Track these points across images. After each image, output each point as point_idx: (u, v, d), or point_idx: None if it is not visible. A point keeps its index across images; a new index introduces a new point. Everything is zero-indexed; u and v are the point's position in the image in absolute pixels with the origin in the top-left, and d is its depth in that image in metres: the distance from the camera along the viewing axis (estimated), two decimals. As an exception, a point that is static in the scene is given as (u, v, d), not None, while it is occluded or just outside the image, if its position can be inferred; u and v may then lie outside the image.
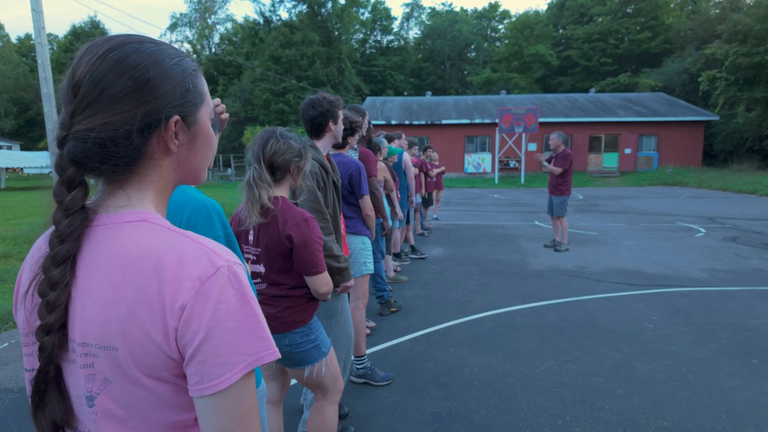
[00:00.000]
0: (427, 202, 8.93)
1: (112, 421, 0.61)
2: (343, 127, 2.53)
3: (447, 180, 23.12)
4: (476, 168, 25.14)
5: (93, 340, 0.59)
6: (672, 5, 37.29)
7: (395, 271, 5.80)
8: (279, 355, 0.63)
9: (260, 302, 1.73)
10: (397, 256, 6.34)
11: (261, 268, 1.73)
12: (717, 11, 31.78)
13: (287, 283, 1.72)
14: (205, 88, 0.71)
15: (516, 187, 20.49)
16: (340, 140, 2.59)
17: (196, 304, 0.57)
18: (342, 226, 2.54)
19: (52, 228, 0.62)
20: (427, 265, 6.18)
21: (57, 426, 0.62)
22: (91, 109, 0.60)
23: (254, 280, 1.74)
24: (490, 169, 24.70)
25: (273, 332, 1.71)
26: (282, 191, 1.75)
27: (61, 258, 0.60)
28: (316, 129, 2.38)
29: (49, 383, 0.61)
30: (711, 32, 28.20)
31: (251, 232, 1.73)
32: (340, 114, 2.46)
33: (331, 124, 2.39)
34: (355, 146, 3.70)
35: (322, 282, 1.72)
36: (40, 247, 0.66)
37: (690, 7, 36.73)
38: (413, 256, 6.70)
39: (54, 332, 0.60)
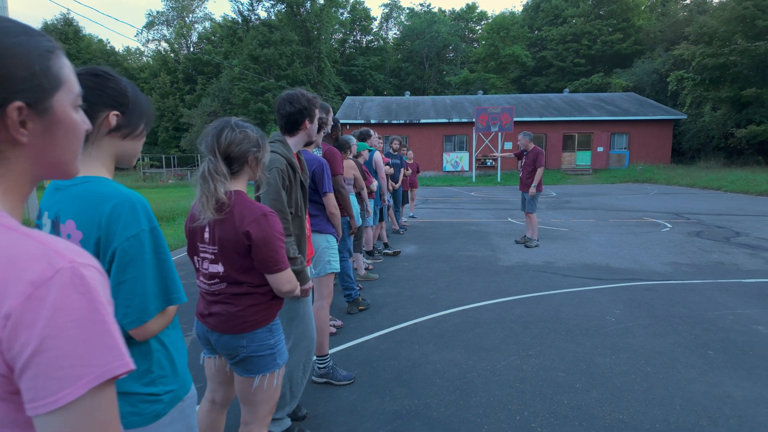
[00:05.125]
0: (402, 200, 8.93)
1: None
2: (317, 126, 2.48)
3: (425, 178, 23.20)
4: (454, 166, 25.33)
5: None
6: (642, 8, 38.32)
7: (366, 269, 5.76)
8: (133, 367, 0.57)
9: (220, 302, 1.63)
10: (369, 254, 6.30)
11: (220, 268, 1.61)
12: (685, 14, 32.81)
13: (250, 282, 1.62)
14: (64, 71, 0.64)
15: (492, 185, 20.72)
16: (313, 139, 2.54)
17: (26, 312, 0.51)
18: (307, 227, 2.48)
19: None
20: (400, 263, 6.16)
21: None
22: None
23: (212, 281, 1.63)
24: (468, 168, 24.91)
25: (232, 332, 1.62)
26: (240, 185, 1.64)
27: None
28: (291, 126, 2.32)
29: None
30: (679, 34, 29.10)
31: (207, 229, 1.61)
32: (317, 113, 2.40)
33: (307, 122, 2.34)
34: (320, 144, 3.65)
35: (285, 280, 1.63)
36: None
37: (659, 10, 37.81)
38: (386, 251, 6.68)
39: None
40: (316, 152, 3.33)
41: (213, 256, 1.61)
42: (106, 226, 1.06)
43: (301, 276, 2.10)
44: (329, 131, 3.74)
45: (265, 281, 1.64)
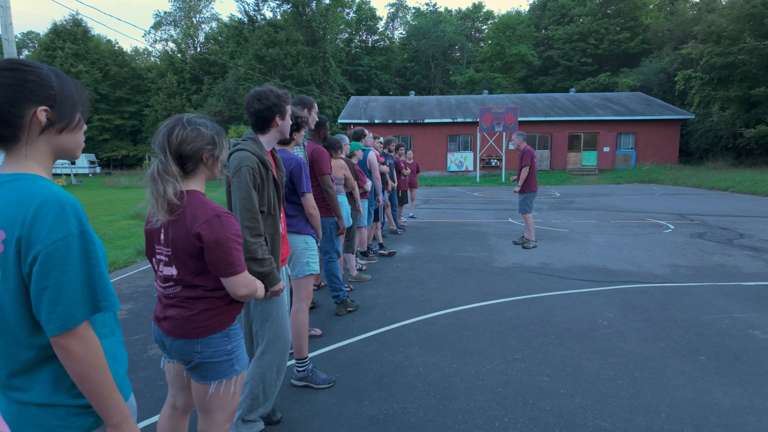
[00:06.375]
0: (401, 200, 8.87)
1: None
2: (290, 122, 2.44)
3: (429, 178, 23.12)
4: (459, 166, 25.21)
5: None
6: (650, 6, 37.89)
7: (359, 269, 5.70)
8: None
9: (174, 305, 1.58)
10: (364, 254, 6.24)
11: (173, 271, 1.56)
12: (693, 12, 32.38)
13: (204, 285, 1.57)
14: None
15: (497, 185, 20.58)
16: (287, 136, 2.49)
17: None
18: (283, 226, 2.44)
19: None
20: (394, 264, 6.10)
21: None
22: None
23: (167, 284, 1.59)
24: (472, 168, 24.78)
25: (186, 337, 1.57)
26: (196, 184, 1.58)
27: None
28: (261, 123, 2.28)
29: None
30: (687, 33, 28.73)
31: (162, 230, 1.56)
32: (288, 109, 2.35)
33: (277, 119, 2.29)
34: (303, 143, 3.59)
35: (241, 284, 1.57)
36: None
37: (668, 9, 37.36)
38: (381, 252, 6.62)
39: None
40: (297, 151, 3.28)
41: (167, 258, 1.56)
42: (30, 225, 0.99)
43: (269, 278, 2.05)
44: (311, 128, 3.69)
45: (221, 285, 1.59)
